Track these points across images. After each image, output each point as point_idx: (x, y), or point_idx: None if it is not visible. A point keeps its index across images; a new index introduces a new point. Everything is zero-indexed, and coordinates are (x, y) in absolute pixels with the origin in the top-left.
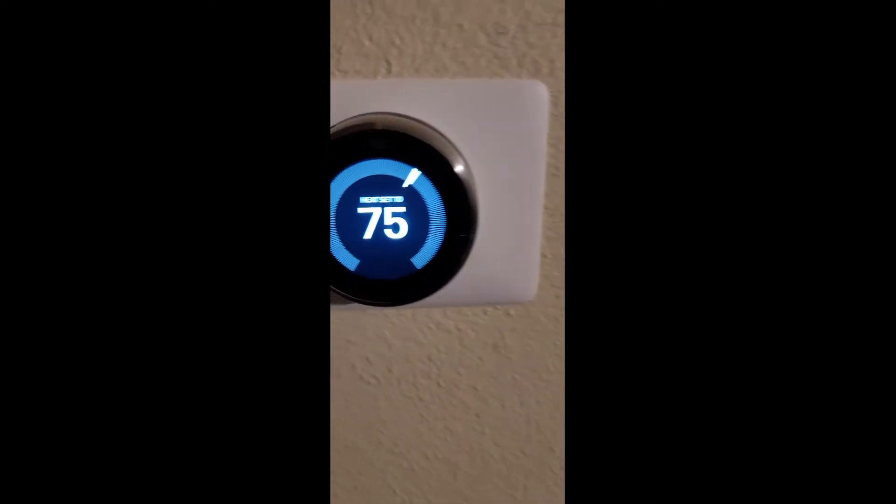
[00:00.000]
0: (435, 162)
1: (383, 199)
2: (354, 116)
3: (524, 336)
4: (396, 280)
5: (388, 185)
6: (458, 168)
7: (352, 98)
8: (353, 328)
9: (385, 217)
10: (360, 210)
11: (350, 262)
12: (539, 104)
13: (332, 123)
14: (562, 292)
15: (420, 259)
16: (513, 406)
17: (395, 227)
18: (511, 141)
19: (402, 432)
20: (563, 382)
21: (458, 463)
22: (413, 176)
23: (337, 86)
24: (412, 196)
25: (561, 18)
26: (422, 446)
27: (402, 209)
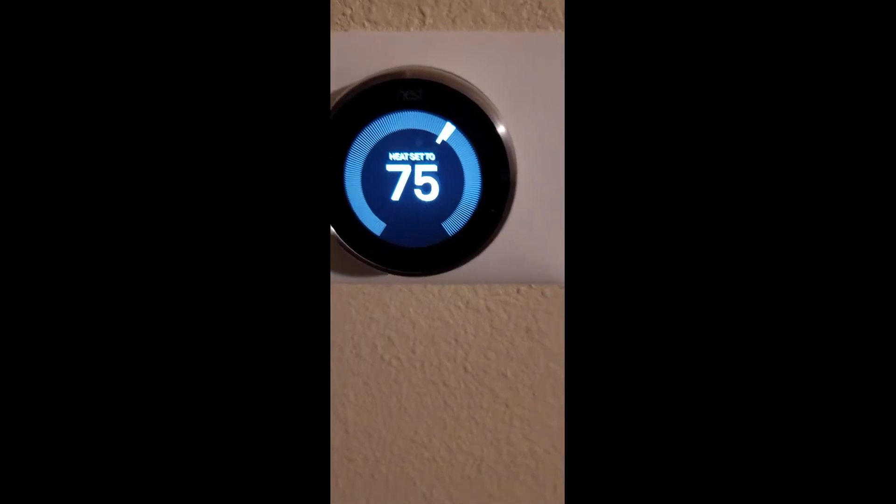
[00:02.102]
0: (471, 116)
1: (414, 157)
2: (383, 71)
3: (560, 319)
4: (426, 247)
5: (419, 141)
6: (500, 129)
7: (382, 51)
8: (377, 303)
9: (415, 176)
10: (389, 168)
11: (376, 225)
12: None
13: (359, 79)
14: None
15: (452, 224)
16: (545, 396)
17: (426, 188)
18: (554, 104)
19: (425, 420)
20: None
21: (483, 456)
22: (448, 131)
23: (365, 37)
24: (446, 153)
25: None
26: (445, 436)
27: (434, 168)
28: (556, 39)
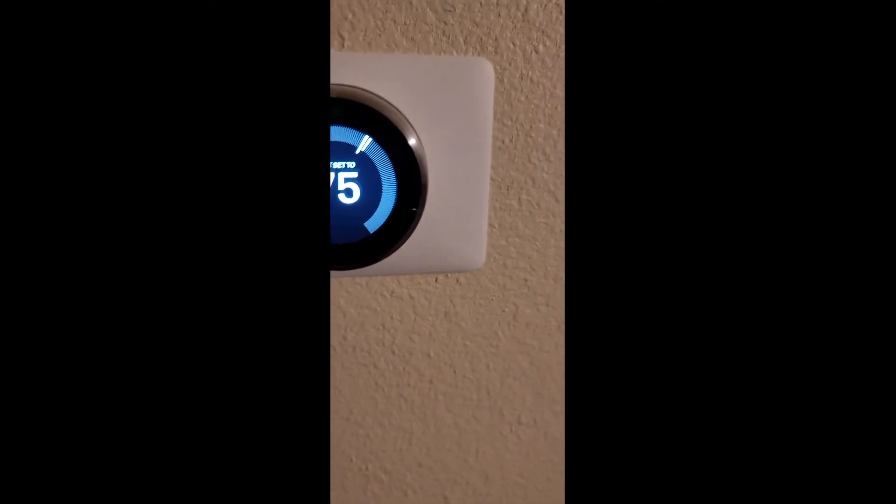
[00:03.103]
0: (386, 129)
1: (336, 165)
2: None
3: (474, 303)
4: (351, 244)
5: (341, 151)
6: (412, 141)
7: None
8: None
9: (339, 182)
10: None
11: None
12: (485, 80)
13: None
14: (508, 261)
15: (373, 223)
16: (464, 372)
17: (349, 192)
18: (459, 115)
19: (358, 400)
20: (511, 348)
21: (412, 430)
22: (365, 142)
23: None
24: (364, 162)
25: (504, 0)
26: (377, 414)
27: (355, 175)
28: (457, 61)
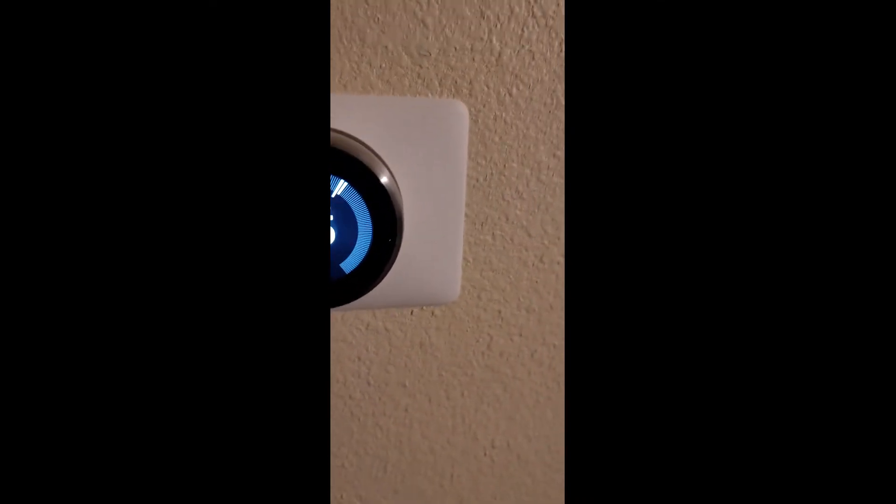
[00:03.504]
0: (361, 173)
1: None
2: None
3: (449, 334)
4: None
5: None
6: (384, 179)
7: None
8: None
9: None
10: None
11: None
12: (460, 121)
13: None
14: (483, 293)
15: (349, 264)
16: (439, 400)
17: None
18: (434, 155)
19: (334, 431)
20: (485, 377)
21: (388, 457)
22: (341, 186)
23: None
24: (340, 205)
25: (479, 45)
26: (352, 443)
27: (331, 218)
28: (432, 103)
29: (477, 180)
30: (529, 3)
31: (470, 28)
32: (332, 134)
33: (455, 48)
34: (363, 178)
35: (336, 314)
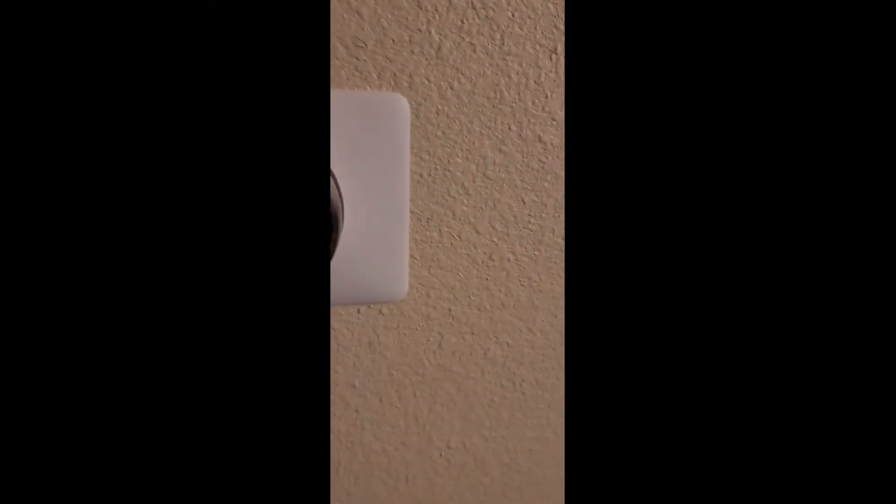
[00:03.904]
0: None
1: None
2: None
3: (398, 333)
4: None
5: None
6: None
7: None
8: None
9: None
10: None
11: None
12: (401, 115)
13: None
14: (431, 291)
15: None
16: (391, 400)
17: None
18: (375, 149)
19: None
20: (437, 376)
21: (340, 460)
22: None
23: None
24: None
25: (417, 37)
26: None
27: None
28: (372, 97)
29: (421, 175)
30: None
31: (407, 19)
32: None
33: (392, 40)
34: None
35: None
